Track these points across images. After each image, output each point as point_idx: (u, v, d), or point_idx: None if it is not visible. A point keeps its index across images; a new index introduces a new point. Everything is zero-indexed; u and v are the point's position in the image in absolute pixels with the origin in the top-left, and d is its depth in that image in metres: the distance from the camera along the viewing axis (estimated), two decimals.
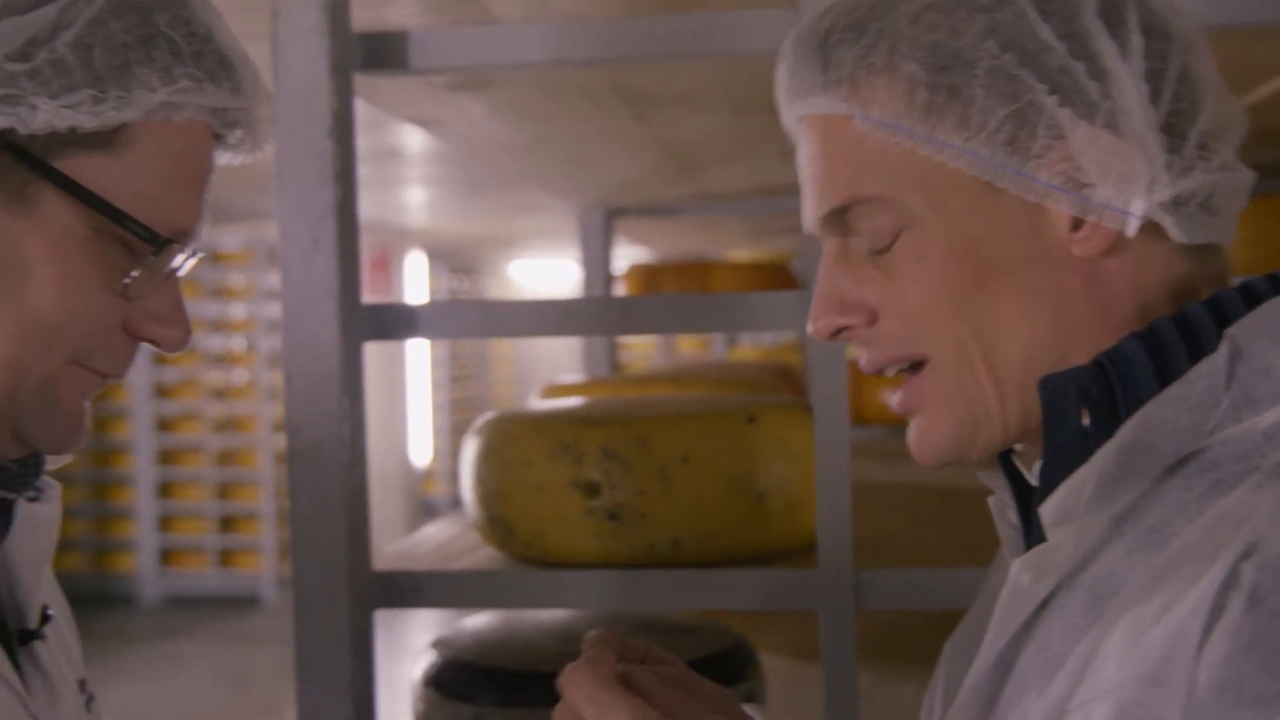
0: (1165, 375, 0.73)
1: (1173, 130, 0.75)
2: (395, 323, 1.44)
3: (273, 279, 8.48)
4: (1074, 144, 0.74)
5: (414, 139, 2.64)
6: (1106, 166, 0.74)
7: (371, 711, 1.41)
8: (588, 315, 1.51)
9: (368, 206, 7.62)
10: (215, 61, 0.82)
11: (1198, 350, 0.73)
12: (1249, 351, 0.71)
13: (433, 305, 1.44)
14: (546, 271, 12.98)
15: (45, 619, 0.88)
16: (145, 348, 0.86)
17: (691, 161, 2.33)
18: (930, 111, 0.76)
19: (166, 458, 8.22)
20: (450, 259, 11.38)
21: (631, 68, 1.63)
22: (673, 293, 3.80)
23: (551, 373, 11.46)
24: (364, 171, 5.41)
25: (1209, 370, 0.71)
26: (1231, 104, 0.79)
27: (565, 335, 1.49)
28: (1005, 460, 0.83)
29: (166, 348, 0.86)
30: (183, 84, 0.79)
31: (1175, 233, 0.74)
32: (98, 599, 8.02)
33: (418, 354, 10.21)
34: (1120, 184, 0.74)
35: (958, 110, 0.75)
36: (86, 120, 0.77)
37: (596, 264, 3.09)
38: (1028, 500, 0.81)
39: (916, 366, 0.80)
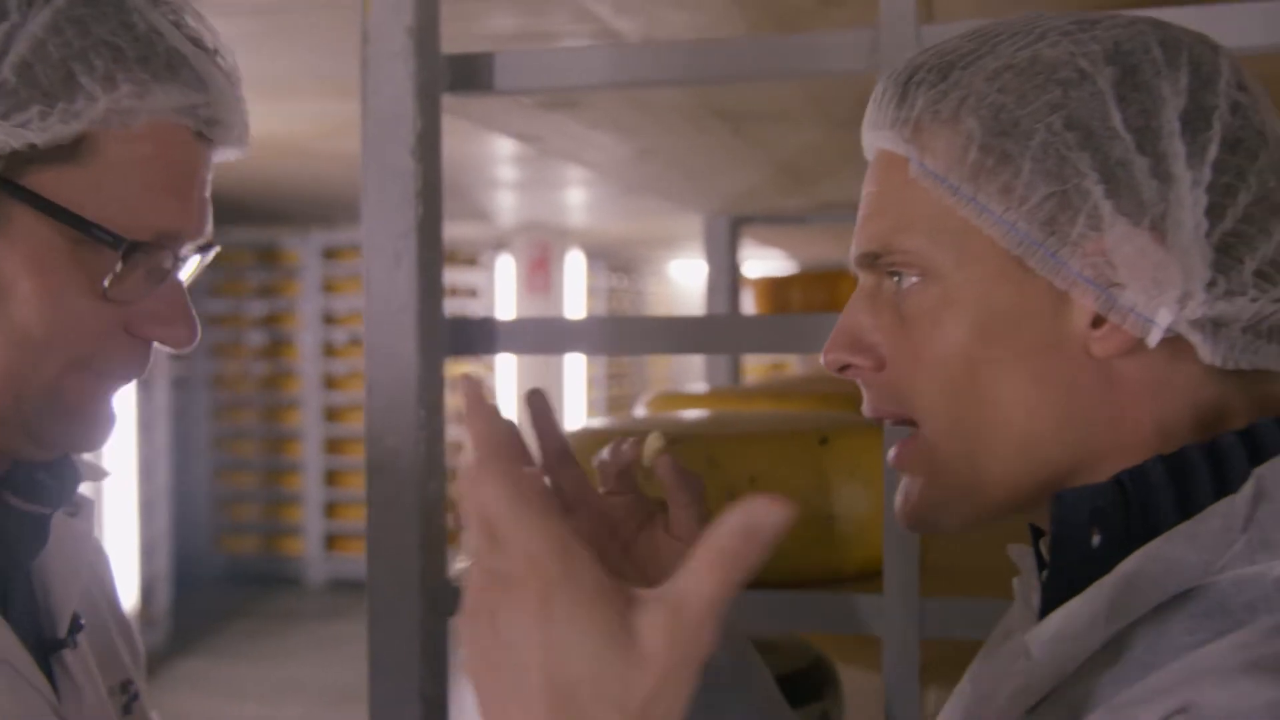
0: (1186, 506, 0.70)
1: (1229, 251, 0.71)
2: (476, 338, 1.46)
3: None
4: (1109, 240, 0.71)
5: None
6: (1138, 270, 0.70)
7: (444, 715, 1.43)
8: (669, 335, 1.51)
9: (529, 207, 7.77)
10: (163, 63, 0.82)
11: (1224, 484, 0.70)
12: (1275, 494, 0.68)
13: (513, 322, 1.46)
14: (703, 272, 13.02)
15: (76, 628, 0.91)
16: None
17: (801, 173, 2.32)
18: (978, 172, 0.73)
19: (333, 447, 8.52)
20: (609, 258, 11.49)
21: (721, 86, 1.63)
22: (800, 309, 3.77)
23: (703, 373, 11.44)
24: (525, 174, 5.50)
25: (1226, 510, 0.68)
26: None
27: (646, 354, 1.49)
28: (1036, 541, 0.81)
29: (172, 346, 0.87)
30: (125, 89, 0.80)
31: (1204, 353, 0.71)
32: (268, 580, 8.38)
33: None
34: (1150, 291, 0.70)
35: (1004, 178, 0.72)
36: (38, 136, 0.78)
37: (721, 270, 3.08)
38: None
39: (911, 423, 0.78)
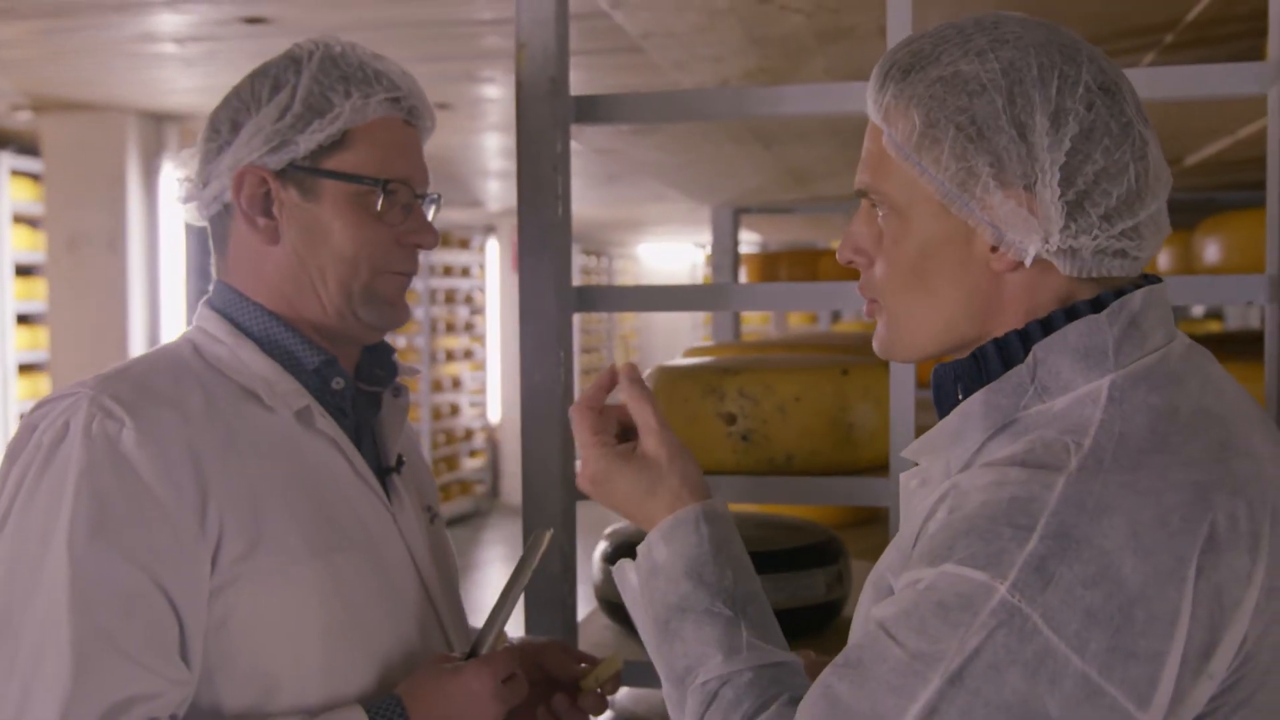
0: (1009, 366, 0.99)
1: (1080, 204, 0.95)
2: (594, 300, 1.88)
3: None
4: (994, 200, 0.96)
5: None
6: (1014, 220, 0.96)
7: (573, 567, 1.85)
8: (734, 296, 1.95)
9: (514, 194, 8.11)
10: (373, 80, 1.29)
11: (1030, 351, 0.98)
12: (1046, 360, 0.96)
13: (617, 288, 1.88)
14: (670, 254, 13.34)
15: (400, 463, 1.37)
16: None
17: (805, 176, 2.76)
18: (919, 147, 0.98)
19: None
20: (582, 241, 11.84)
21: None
22: (785, 281, 4.22)
23: (670, 342, 11.87)
24: (511, 165, 5.85)
25: (1017, 374, 0.98)
26: (1153, 188, 0.98)
27: (709, 311, 1.91)
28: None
29: (426, 246, 1.33)
30: (355, 96, 1.27)
31: (1062, 269, 0.97)
32: None
33: None
34: (1022, 233, 0.96)
35: (935, 153, 0.97)
36: (321, 137, 1.25)
37: (725, 252, 3.52)
38: None
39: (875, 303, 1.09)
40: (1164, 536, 0.87)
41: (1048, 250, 0.96)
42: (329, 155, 1.26)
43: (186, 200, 1.35)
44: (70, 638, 1.08)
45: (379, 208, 1.27)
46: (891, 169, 1.01)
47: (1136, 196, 0.97)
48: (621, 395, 1.21)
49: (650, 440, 1.18)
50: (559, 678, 1.40)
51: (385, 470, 1.36)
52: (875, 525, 2.79)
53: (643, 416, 1.19)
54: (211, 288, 1.35)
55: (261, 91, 1.28)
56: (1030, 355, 0.97)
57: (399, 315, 1.34)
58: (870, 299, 1.08)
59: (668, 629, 1.10)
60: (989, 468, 0.93)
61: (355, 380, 1.36)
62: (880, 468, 1.90)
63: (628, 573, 1.16)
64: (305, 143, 1.25)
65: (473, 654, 1.25)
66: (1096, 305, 0.98)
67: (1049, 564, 0.86)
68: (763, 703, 1.03)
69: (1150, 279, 1.03)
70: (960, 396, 1.01)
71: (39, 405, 1.19)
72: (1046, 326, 0.98)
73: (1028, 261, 0.97)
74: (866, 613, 1.01)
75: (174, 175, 1.37)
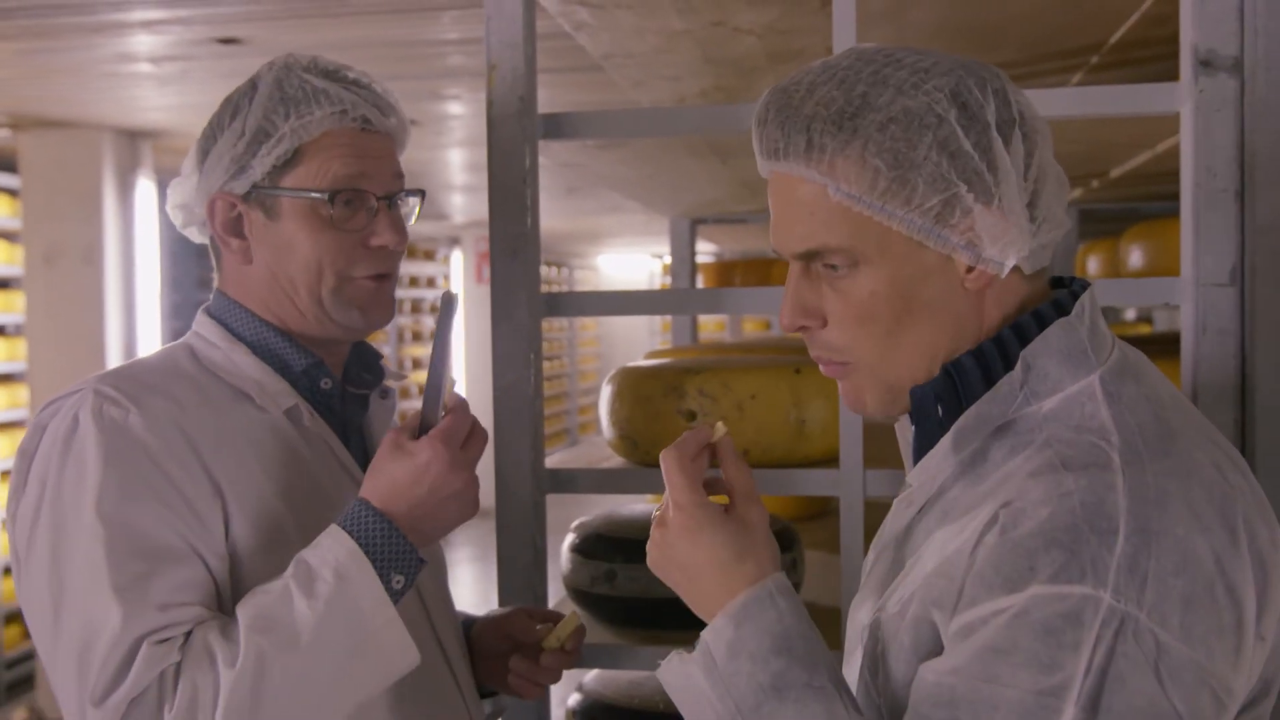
0: (989, 377, 0.97)
1: (1033, 205, 0.95)
2: (561, 305, 1.93)
3: None
4: (977, 220, 0.93)
5: None
6: (994, 235, 0.94)
7: (544, 558, 1.90)
8: (694, 301, 2.00)
9: (478, 207, 8.10)
10: (313, 98, 1.29)
11: (1008, 359, 0.96)
12: (1035, 365, 0.95)
13: (584, 294, 1.92)
14: (629, 264, 13.39)
15: None
16: None
17: (759, 187, 2.84)
18: (887, 193, 0.93)
19: None
20: (544, 251, 11.88)
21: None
22: (741, 287, 4.28)
23: (628, 348, 11.92)
24: (475, 179, 5.92)
25: (1009, 380, 0.96)
26: (1061, 177, 0.99)
27: (672, 314, 1.96)
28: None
29: (392, 247, 1.33)
30: (292, 116, 1.28)
31: (1026, 268, 0.97)
32: None
33: None
34: (1003, 247, 0.94)
35: (905, 194, 0.92)
36: (273, 158, 1.27)
37: (683, 260, 3.59)
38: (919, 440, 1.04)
39: (839, 364, 1.01)
40: (1214, 512, 0.87)
41: (1020, 256, 0.95)
42: (284, 173, 1.29)
43: (185, 226, 1.39)
44: (112, 587, 1.11)
45: (332, 213, 1.29)
46: (843, 222, 0.95)
47: (1058, 185, 0.98)
48: (723, 463, 1.07)
49: (752, 508, 1.03)
50: (524, 642, 1.45)
51: None
52: (826, 518, 2.85)
53: (742, 483, 1.05)
54: (212, 296, 1.39)
55: (224, 118, 1.31)
56: (1020, 362, 0.95)
57: (372, 317, 1.35)
58: (836, 361, 1.01)
59: (760, 713, 0.94)
60: (1034, 479, 0.89)
61: (343, 382, 1.39)
62: (830, 460, 1.95)
63: (688, 666, 0.98)
64: (260, 166, 1.28)
65: (424, 429, 1.21)
66: (1058, 308, 0.98)
67: (1140, 560, 0.83)
68: None
69: (1080, 281, 1.04)
70: (940, 413, 0.98)
71: (45, 406, 1.22)
72: (1020, 334, 0.97)
73: (1004, 272, 0.96)
74: (906, 660, 0.96)
75: (169, 204, 1.39)
